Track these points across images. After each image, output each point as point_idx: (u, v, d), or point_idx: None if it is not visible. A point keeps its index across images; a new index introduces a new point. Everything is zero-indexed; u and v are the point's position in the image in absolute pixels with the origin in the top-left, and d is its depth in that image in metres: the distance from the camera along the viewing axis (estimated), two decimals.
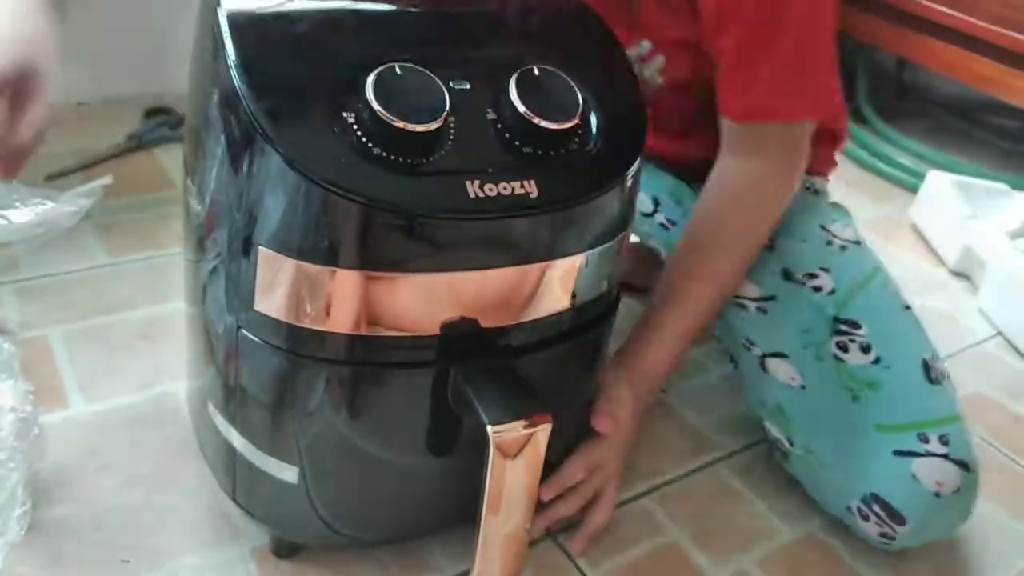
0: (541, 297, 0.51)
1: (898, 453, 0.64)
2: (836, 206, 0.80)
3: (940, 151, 1.47)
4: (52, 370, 0.74)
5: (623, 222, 0.54)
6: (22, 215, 0.77)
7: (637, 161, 0.53)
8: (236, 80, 0.45)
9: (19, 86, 0.55)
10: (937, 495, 0.63)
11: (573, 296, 0.53)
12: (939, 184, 1.23)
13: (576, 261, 0.52)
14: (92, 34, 0.94)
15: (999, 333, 1.03)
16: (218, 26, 0.46)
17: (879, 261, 0.75)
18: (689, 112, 0.77)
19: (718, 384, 0.86)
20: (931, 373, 0.67)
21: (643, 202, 0.83)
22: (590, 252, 0.52)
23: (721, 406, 0.82)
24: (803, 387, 0.69)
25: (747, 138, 0.71)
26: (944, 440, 0.64)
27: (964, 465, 0.64)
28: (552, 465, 0.51)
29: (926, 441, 0.64)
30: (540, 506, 0.60)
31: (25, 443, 0.58)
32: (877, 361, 0.67)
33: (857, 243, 0.75)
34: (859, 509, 0.65)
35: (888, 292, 0.72)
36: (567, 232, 0.50)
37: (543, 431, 0.49)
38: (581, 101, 0.49)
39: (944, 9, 1.38)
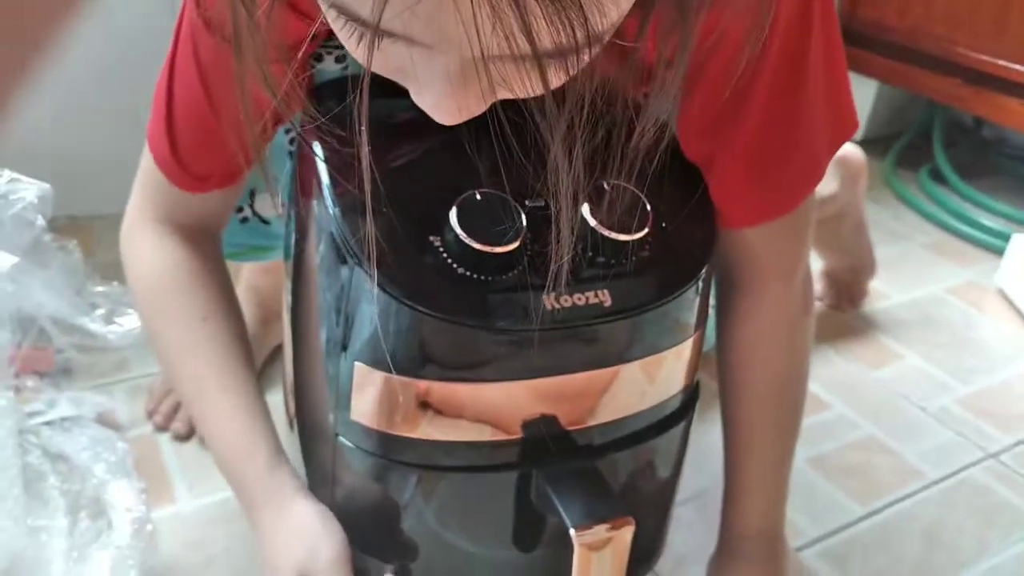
0: (619, 398, 0.53)
1: None
2: None
3: (1021, 210, 1.43)
4: (160, 465, 0.78)
5: (697, 321, 0.55)
6: (133, 321, 0.84)
7: (708, 262, 0.55)
8: (333, 211, 0.49)
9: None
10: None
11: (651, 395, 0.55)
12: None
13: (653, 362, 0.53)
14: None
15: None
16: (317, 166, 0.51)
17: None
18: None
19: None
20: None
21: None
22: (667, 352, 0.54)
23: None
24: None
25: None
26: None
27: None
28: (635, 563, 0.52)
29: None
30: None
31: (141, 541, 0.62)
32: None
33: None
34: None
35: None
36: (642, 335, 0.52)
37: (626, 533, 0.50)
38: (650, 211, 0.52)
39: (1021, 67, 1.36)
